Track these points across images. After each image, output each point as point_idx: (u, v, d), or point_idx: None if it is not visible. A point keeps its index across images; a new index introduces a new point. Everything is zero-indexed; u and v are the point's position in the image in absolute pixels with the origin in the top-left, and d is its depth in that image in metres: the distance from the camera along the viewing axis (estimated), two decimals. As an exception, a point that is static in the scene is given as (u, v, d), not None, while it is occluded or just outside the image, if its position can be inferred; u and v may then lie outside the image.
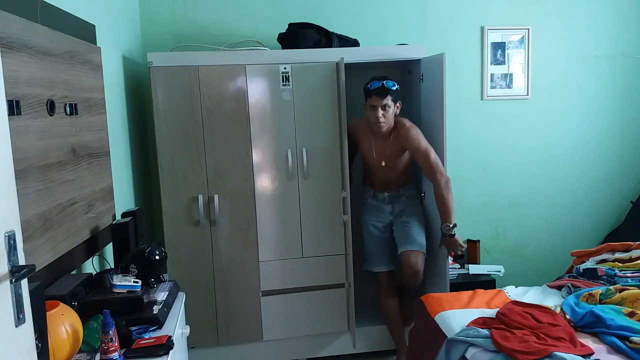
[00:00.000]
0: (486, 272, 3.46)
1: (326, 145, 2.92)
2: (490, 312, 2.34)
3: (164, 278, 2.11)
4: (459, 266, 3.52)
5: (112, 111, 2.47)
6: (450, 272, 2.96)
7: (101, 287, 1.89)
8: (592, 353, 1.96)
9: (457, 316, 2.33)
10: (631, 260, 2.67)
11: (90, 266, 2.12)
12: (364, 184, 3.08)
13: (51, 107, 1.73)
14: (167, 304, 1.93)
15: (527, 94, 3.64)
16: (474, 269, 3.49)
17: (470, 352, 2.07)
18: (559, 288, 2.63)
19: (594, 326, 2.16)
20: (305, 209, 2.95)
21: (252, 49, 2.93)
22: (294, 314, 2.99)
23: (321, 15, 3.29)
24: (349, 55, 2.89)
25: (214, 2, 3.26)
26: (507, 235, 3.77)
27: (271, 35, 3.13)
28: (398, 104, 2.81)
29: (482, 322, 2.24)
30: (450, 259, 3.00)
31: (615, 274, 2.59)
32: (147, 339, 1.67)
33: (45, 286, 1.59)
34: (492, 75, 3.59)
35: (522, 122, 3.67)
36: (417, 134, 2.81)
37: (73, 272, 1.94)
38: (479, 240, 3.63)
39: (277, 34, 3.08)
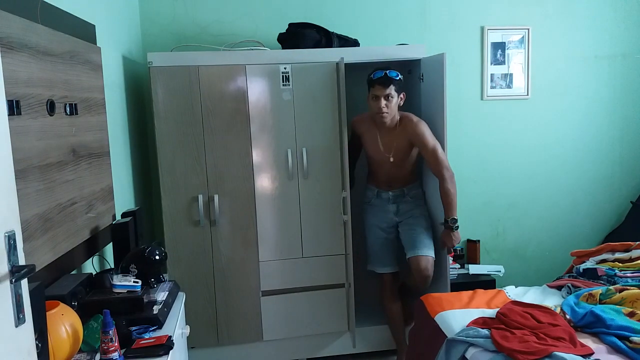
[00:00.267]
0: (486, 272, 3.46)
1: (326, 145, 2.92)
2: (490, 312, 2.34)
3: (164, 278, 2.11)
4: (459, 266, 3.53)
5: (112, 111, 2.47)
6: (450, 272, 2.96)
7: (101, 287, 1.89)
8: (592, 353, 1.96)
9: (457, 316, 2.33)
10: (631, 260, 2.67)
11: (90, 266, 2.12)
12: (367, 182, 3.04)
13: (51, 107, 1.73)
14: (167, 304, 1.93)
15: (527, 94, 3.64)
16: (474, 269, 3.49)
17: (470, 352, 2.07)
18: (559, 288, 2.63)
19: (594, 326, 2.16)
20: (305, 209, 2.95)
21: (252, 49, 2.93)
22: (294, 314, 2.99)
23: (321, 15, 3.29)
24: (349, 55, 2.89)
25: (214, 2, 3.26)
26: (507, 235, 3.77)
27: (271, 35, 3.14)
28: (402, 95, 2.77)
29: (482, 322, 2.24)
30: (450, 259, 3.00)
31: (615, 274, 2.59)
32: (147, 339, 1.67)
33: (45, 286, 1.59)
34: (492, 75, 3.59)
35: (522, 122, 3.67)
36: (425, 129, 2.78)
37: (73, 272, 1.94)
38: (479, 240, 3.63)
39: (277, 34, 3.08)
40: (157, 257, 2.01)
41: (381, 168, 2.92)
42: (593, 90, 3.73)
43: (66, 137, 1.86)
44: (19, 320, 1.11)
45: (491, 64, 3.58)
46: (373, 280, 3.06)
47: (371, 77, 2.73)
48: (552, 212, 3.80)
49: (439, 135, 2.83)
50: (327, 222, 2.96)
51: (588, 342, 2.05)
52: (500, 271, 3.45)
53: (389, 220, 2.95)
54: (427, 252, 2.83)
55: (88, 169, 2.05)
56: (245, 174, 2.87)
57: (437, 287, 2.94)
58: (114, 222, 2.25)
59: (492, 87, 3.60)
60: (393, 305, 2.99)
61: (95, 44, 2.27)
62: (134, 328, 1.73)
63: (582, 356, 1.91)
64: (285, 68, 2.85)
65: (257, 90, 2.84)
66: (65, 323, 1.46)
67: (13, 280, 1.09)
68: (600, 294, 2.37)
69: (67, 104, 1.87)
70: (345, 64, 2.80)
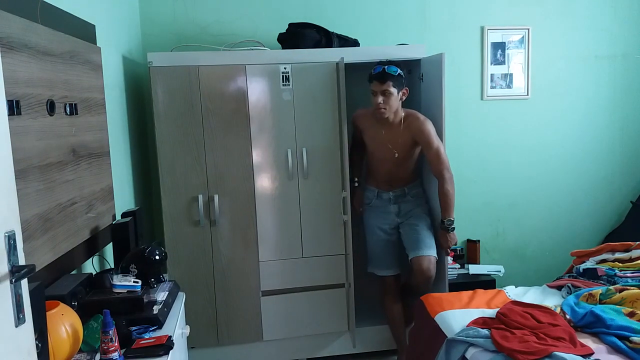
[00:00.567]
0: (486, 272, 3.46)
1: (326, 145, 2.92)
2: (490, 312, 2.35)
3: (164, 278, 2.11)
4: (459, 266, 3.53)
5: (112, 111, 2.47)
6: (450, 272, 2.96)
7: (101, 287, 1.89)
8: (592, 353, 1.96)
9: (457, 316, 2.33)
10: (631, 260, 2.68)
11: (90, 266, 2.12)
12: (366, 183, 3.02)
13: (51, 107, 1.73)
14: (167, 304, 1.93)
15: (527, 94, 3.64)
16: (474, 269, 3.49)
17: (470, 352, 2.07)
18: (559, 288, 2.63)
19: (594, 326, 2.16)
20: (305, 209, 2.95)
21: (252, 49, 2.93)
22: (294, 314, 2.99)
23: (321, 15, 3.29)
24: (349, 55, 2.89)
25: (214, 2, 3.26)
26: (507, 235, 3.77)
27: (271, 35, 3.13)
28: (404, 91, 2.74)
29: (482, 322, 2.24)
30: (450, 259, 2.99)
31: (615, 274, 2.59)
32: (147, 339, 1.67)
33: (45, 286, 1.59)
34: (492, 75, 3.59)
35: (522, 122, 3.67)
36: (431, 128, 2.76)
37: (73, 272, 1.94)
38: (479, 240, 3.63)
39: (277, 34, 3.08)
40: (157, 257, 2.01)
41: (382, 166, 2.90)
42: (593, 90, 3.73)
43: (66, 137, 1.86)
44: (19, 320, 1.11)
45: (491, 64, 3.58)
46: (373, 280, 3.06)
47: (371, 72, 2.73)
48: (552, 212, 3.80)
49: (439, 135, 2.82)
50: (327, 222, 2.96)
51: (588, 342, 2.06)
52: (500, 271, 3.45)
53: (390, 222, 2.93)
54: (430, 252, 2.81)
55: (88, 169, 2.05)
56: (245, 174, 2.87)
57: (437, 287, 2.93)
58: (114, 222, 2.25)
59: (492, 87, 3.60)
60: (394, 307, 2.97)
61: (95, 44, 2.27)
62: (134, 328, 1.73)
63: (582, 356, 1.92)
64: (285, 68, 2.85)
65: (257, 90, 2.84)
66: (65, 323, 1.46)
67: (13, 280, 1.09)
68: (600, 294, 2.37)
69: (67, 104, 1.87)
70: (345, 64, 2.80)
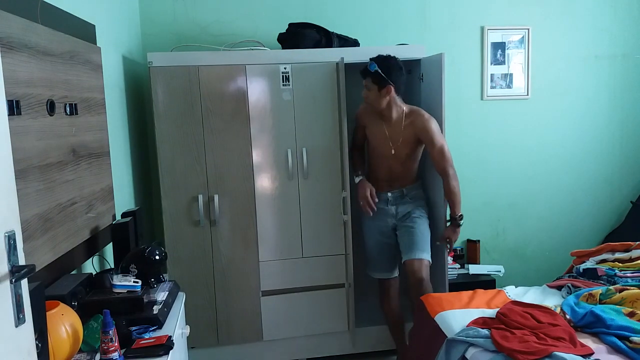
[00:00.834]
0: (486, 272, 3.46)
1: (326, 145, 2.92)
2: (490, 312, 2.34)
3: (164, 278, 2.11)
4: (459, 266, 3.53)
5: (112, 111, 2.47)
6: (450, 272, 2.96)
7: (101, 287, 1.89)
8: (592, 353, 1.96)
9: (457, 316, 2.32)
10: (631, 260, 2.67)
11: (90, 266, 2.12)
12: None
13: (51, 107, 1.73)
14: (167, 304, 1.93)
15: (527, 94, 3.64)
16: (474, 269, 3.49)
17: (470, 352, 2.07)
18: (559, 288, 2.63)
19: (594, 326, 2.16)
20: (305, 209, 2.95)
21: (252, 49, 2.93)
22: (294, 314, 2.99)
23: (321, 15, 3.29)
24: (349, 55, 2.89)
25: (214, 2, 3.26)
26: (507, 235, 3.77)
27: (271, 35, 3.13)
28: (387, 89, 2.68)
29: (482, 322, 2.24)
30: (450, 259, 2.99)
31: (615, 274, 2.59)
32: (147, 339, 1.67)
33: (45, 286, 1.59)
34: (492, 75, 3.59)
35: (522, 122, 3.67)
36: (435, 126, 2.75)
37: (73, 272, 1.94)
38: (479, 240, 3.63)
39: (277, 34, 3.08)
40: (157, 257, 2.01)
41: (383, 164, 2.88)
42: (593, 90, 3.74)
43: (66, 137, 1.86)
44: (19, 320, 1.11)
45: (491, 64, 3.58)
46: (373, 280, 3.05)
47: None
48: (552, 212, 3.80)
49: (439, 135, 2.82)
50: (327, 222, 2.96)
51: (588, 342, 2.05)
52: (500, 271, 3.45)
53: (388, 224, 2.91)
54: (422, 255, 2.78)
55: (88, 169, 2.05)
56: (245, 174, 2.87)
57: (436, 287, 2.93)
58: (114, 222, 2.25)
59: (492, 87, 3.60)
60: (392, 308, 2.96)
61: (95, 44, 2.27)
62: (134, 328, 1.73)
63: (582, 356, 1.91)
64: (285, 68, 2.85)
65: (257, 90, 2.84)
66: (65, 323, 1.46)
67: (13, 280, 1.09)
68: (600, 294, 2.37)
69: (67, 104, 1.87)
70: (345, 64, 2.81)
